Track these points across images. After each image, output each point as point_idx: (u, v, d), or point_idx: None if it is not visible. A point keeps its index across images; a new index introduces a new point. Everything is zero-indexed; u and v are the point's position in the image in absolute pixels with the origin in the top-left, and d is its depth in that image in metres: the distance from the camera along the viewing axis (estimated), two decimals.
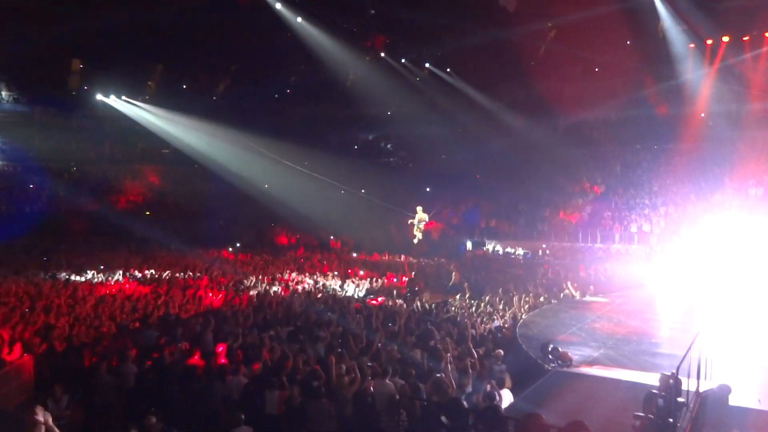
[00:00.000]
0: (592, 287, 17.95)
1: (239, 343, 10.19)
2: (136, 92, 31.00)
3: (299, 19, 23.82)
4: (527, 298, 15.49)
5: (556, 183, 29.83)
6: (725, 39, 24.12)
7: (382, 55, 27.06)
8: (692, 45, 24.83)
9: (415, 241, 18.65)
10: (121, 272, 20.30)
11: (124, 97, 30.66)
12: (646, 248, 22.42)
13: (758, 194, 22.96)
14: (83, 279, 18.96)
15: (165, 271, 20.79)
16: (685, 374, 7.15)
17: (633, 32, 24.66)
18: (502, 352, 9.65)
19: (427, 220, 18.75)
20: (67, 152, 37.36)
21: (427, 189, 33.78)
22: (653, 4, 22.66)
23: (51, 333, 10.83)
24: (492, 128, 31.18)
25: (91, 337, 11.11)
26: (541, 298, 16.03)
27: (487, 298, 15.87)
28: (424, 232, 18.78)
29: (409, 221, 18.46)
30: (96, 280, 18.87)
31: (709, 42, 24.53)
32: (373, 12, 24.65)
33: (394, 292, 17.82)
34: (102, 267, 21.16)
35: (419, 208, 18.72)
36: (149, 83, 31.92)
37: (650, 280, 19.17)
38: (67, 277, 19.18)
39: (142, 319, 12.85)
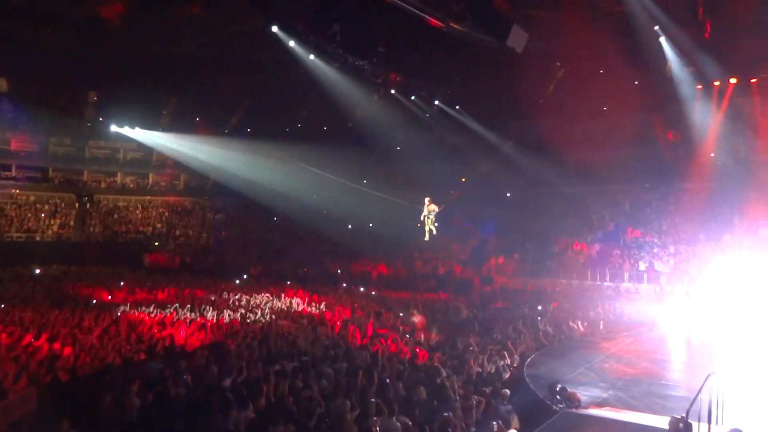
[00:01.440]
0: (602, 325, 17.76)
1: (244, 377, 10.12)
2: (150, 124, 31.61)
3: (311, 57, 24.35)
4: (535, 336, 15.32)
5: (565, 220, 29.83)
6: (733, 81, 24.37)
7: (392, 92, 27.52)
8: (700, 86, 25.08)
9: (427, 238, 18.19)
10: (128, 303, 20.31)
11: (138, 128, 31.24)
12: (656, 287, 22.24)
13: None
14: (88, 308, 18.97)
15: (172, 303, 20.78)
16: (695, 418, 7.02)
17: (641, 72, 25.00)
18: (508, 391, 9.52)
19: (437, 210, 18.34)
20: (79, 182, 37.95)
21: (436, 224, 33.84)
22: (660, 45, 23.02)
23: (55, 363, 10.81)
24: (500, 165, 31.42)
25: (95, 369, 11.07)
26: (550, 336, 15.84)
27: (495, 335, 15.70)
28: (435, 224, 18.25)
29: (422, 216, 18.09)
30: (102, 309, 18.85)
31: (717, 83, 24.78)
32: (383, 50, 25.19)
33: (400, 328, 17.65)
34: (109, 297, 21.20)
35: (427, 200, 18.32)
36: (164, 113, 32.59)
37: (661, 319, 18.94)
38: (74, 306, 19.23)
39: (147, 350, 12.80)
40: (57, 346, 12.45)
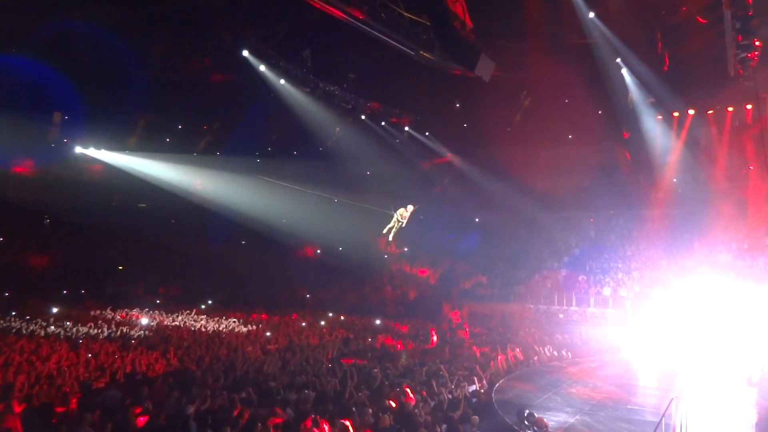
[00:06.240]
0: (567, 352, 17.90)
1: (208, 405, 9.84)
2: (116, 146, 30.96)
3: (282, 81, 24.42)
4: (504, 361, 15.35)
5: (532, 246, 30.18)
6: (691, 112, 25.32)
7: (363, 117, 27.70)
8: (660, 117, 25.94)
9: (391, 238, 17.37)
10: (88, 328, 19.74)
11: (104, 150, 30.54)
12: (621, 312, 22.59)
13: (727, 261, 23.48)
14: (47, 334, 18.35)
15: (134, 329, 20.29)
16: None
17: (604, 103, 25.74)
18: (477, 418, 9.48)
19: (407, 214, 17.53)
20: (41, 204, 36.86)
21: (405, 249, 34.00)
22: (622, 77, 23.81)
23: (9, 392, 10.34)
24: (469, 191, 31.76)
25: (52, 397, 10.64)
26: (518, 361, 15.89)
27: (463, 360, 15.67)
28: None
29: (394, 219, 17.09)
30: (62, 335, 18.25)
31: (676, 114, 25.70)
32: (353, 77, 25.43)
33: (369, 353, 17.51)
34: (68, 323, 20.53)
35: (410, 207, 17.53)
36: (131, 138, 31.99)
37: (625, 344, 19.21)
38: (30, 331, 18.59)
39: (110, 377, 12.39)
40: (11, 373, 11.95)
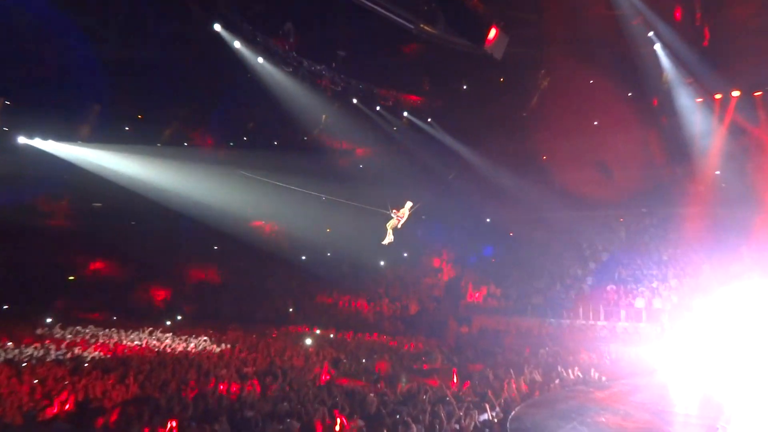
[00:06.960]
0: (596, 371, 17.84)
1: None
2: (67, 136, 30.76)
3: (260, 60, 24.31)
4: (521, 385, 15.29)
5: (553, 250, 30.12)
6: (735, 94, 25.24)
7: (354, 101, 27.59)
8: (699, 99, 25.89)
9: (386, 242, 17.71)
10: (33, 349, 19.62)
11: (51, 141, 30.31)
12: (657, 327, 22.55)
13: None
14: None
15: (86, 350, 20.22)
16: None
17: (635, 83, 25.70)
18: None
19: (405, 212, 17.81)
20: None
21: (404, 255, 33.97)
22: (655, 53, 23.74)
23: None
24: (479, 186, 31.70)
25: None
26: (537, 385, 15.85)
27: (473, 384, 15.63)
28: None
29: (394, 217, 17.39)
30: (1, 358, 18.14)
31: (718, 96, 25.63)
32: (343, 54, 25.36)
33: (363, 376, 17.45)
34: (9, 344, 20.39)
35: (409, 204, 17.83)
36: (85, 126, 31.84)
37: (662, 364, 19.16)
38: None
39: (59, 406, 12.30)
40: None
